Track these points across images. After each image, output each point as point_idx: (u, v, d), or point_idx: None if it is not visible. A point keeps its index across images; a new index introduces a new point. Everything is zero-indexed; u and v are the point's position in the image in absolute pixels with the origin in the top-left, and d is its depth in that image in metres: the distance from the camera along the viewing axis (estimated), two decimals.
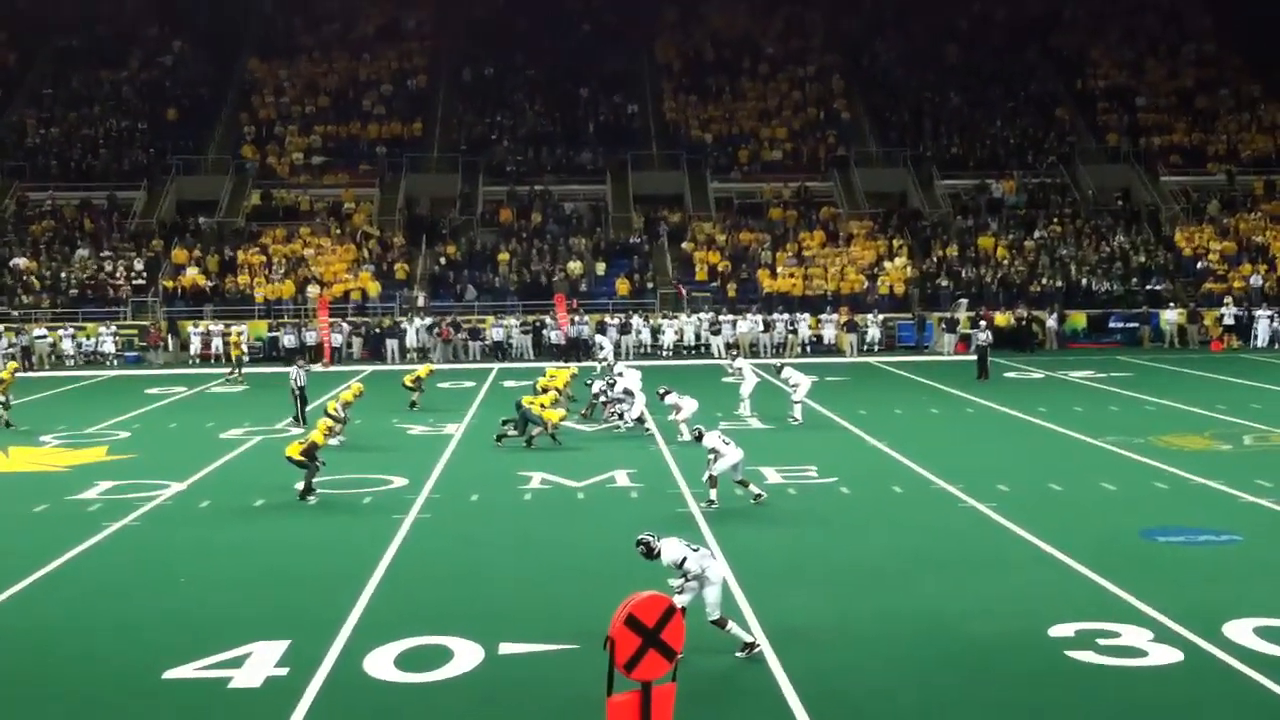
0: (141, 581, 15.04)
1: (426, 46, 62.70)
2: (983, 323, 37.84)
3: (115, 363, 41.67)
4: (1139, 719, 10.56)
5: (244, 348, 38.91)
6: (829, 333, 43.40)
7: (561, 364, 30.53)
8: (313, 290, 44.87)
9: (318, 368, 38.06)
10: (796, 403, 26.80)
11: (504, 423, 24.63)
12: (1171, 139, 56.64)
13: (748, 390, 27.98)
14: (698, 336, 43.42)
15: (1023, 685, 11.26)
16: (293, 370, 28.13)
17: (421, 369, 30.56)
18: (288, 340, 42.05)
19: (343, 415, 24.37)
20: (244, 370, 36.92)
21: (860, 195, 53.57)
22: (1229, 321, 43.58)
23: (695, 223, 50.95)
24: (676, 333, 43.28)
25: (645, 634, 8.04)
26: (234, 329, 41.48)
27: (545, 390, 26.25)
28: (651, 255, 49.36)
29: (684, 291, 45.64)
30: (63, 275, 46.31)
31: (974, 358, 35.81)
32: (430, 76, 60.67)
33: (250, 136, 55.93)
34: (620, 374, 28.16)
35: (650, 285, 46.68)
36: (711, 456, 18.35)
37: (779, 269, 47.24)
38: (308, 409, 27.49)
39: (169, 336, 43.08)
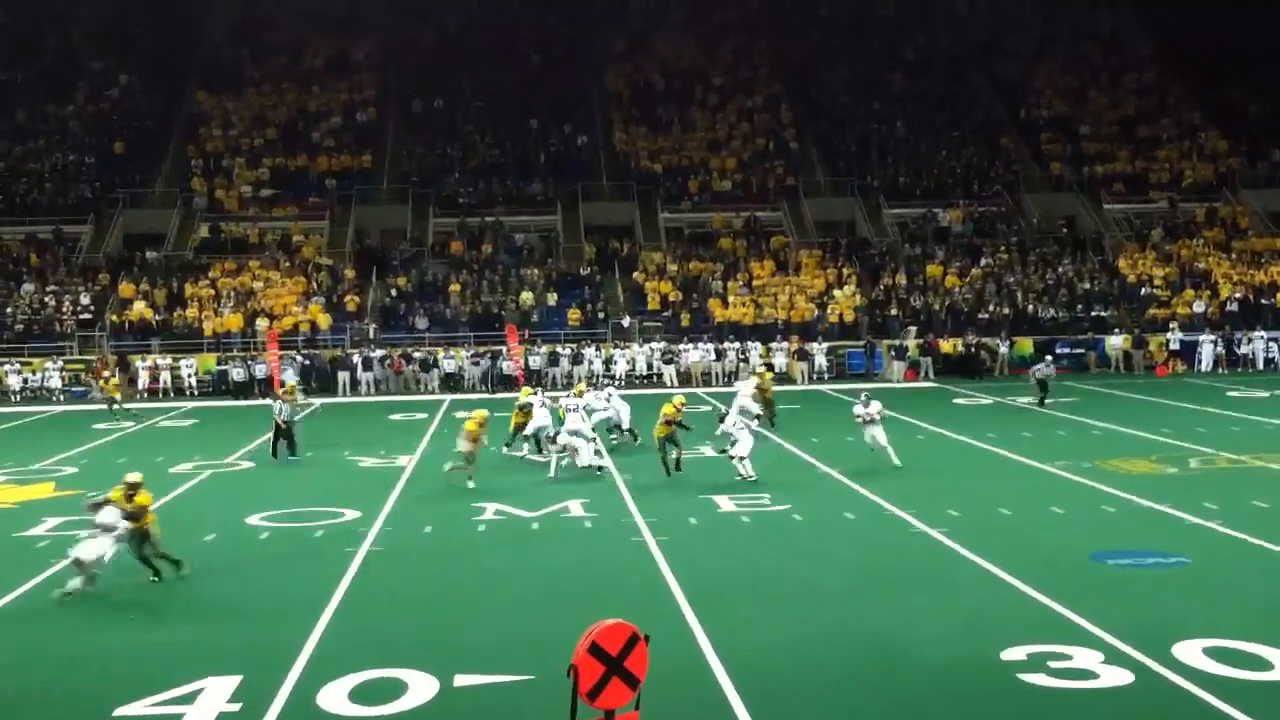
0: (91, 618, 14.85)
1: (375, 79, 62.71)
2: (1048, 357, 39.01)
3: (61, 398, 41.20)
4: None
5: (118, 383, 37.17)
6: (780, 361, 43.58)
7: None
8: (262, 323, 44.59)
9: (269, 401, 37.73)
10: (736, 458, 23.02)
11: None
12: (1114, 167, 57.52)
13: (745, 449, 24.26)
14: (650, 366, 43.49)
15: (975, 708, 11.34)
16: (275, 404, 27.20)
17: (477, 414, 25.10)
18: (237, 374, 41.76)
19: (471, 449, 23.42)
20: (126, 406, 35.65)
21: (809, 224, 54.01)
22: (1175, 346, 44.17)
23: (645, 253, 51.11)
24: (629, 362, 43.34)
25: (609, 662, 8.04)
26: (105, 373, 39.53)
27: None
28: (603, 286, 49.44)
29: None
30: (8, 310, 45.80)
31: (926, 384, 36.09)
32: (379, 108, 60.67)
33: (198, 169, 55.67)
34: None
35: (602, 315, 46.74)
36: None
37: (730, 298, 47.46)
38: (292, 444, 26.61)
39: (117, 371, 42.63)
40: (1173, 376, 42.57)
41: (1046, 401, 33.88)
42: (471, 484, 22.65)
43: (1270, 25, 61.83)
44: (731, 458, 22.10)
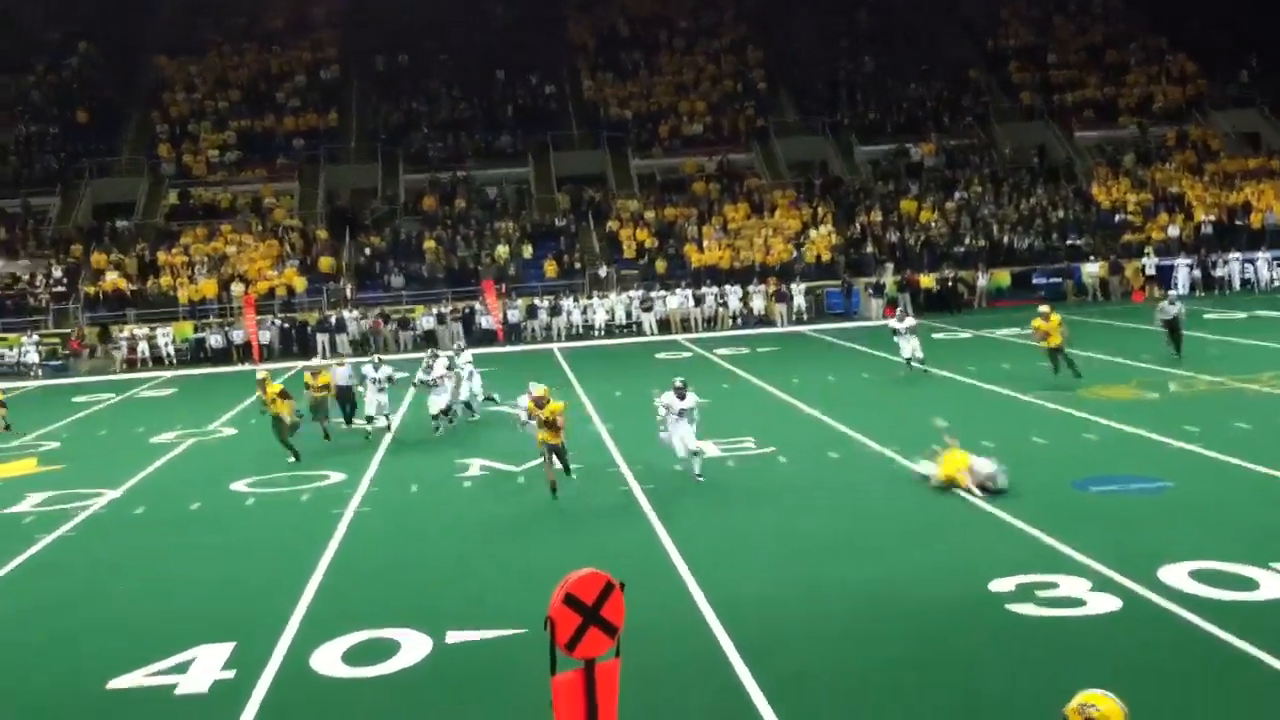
0: (81, 592, 14.83)
1: (337, 36, 62.06)
2: (1171, 293, 31.62)
3: (39, 372, 40.95)
4: (1082, 667, 10.73)
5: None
6: (758, 303, 43.58)
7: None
8: (237, 288, 44.34)
9: (248, 366, 37.63)
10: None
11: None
12: (1083, 94, 57.38)
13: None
14: (629, 315, 43.44)
15: (965, 641, 11.41)
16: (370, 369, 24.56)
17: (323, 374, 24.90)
18: (214, 341, 41.57)
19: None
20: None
21: (782, 165, 53.87)
22: (1151, 272, 44.29)
23: (619, 201, 50.92)
24: (607, 312, 43.28)
25: (585, 611, 8.04)
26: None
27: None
28: (578, 236, 49.26)
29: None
30: None
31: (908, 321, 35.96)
32: (343, 67, 60.11)
33: (164, 136, 55.10)
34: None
35: (578, 266, 46.62)
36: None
37: (705, 243, 47.35)
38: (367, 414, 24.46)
39: (99, 343, 42.42)
40: (1149, 301, 42.69)
41: (1181, 351, 27.84)
42: (291, 459, 21.82)
43: None
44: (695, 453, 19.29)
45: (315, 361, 34.73)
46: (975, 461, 16.63)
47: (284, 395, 22.06)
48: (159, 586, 14.79)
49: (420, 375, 25.49)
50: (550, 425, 17.68)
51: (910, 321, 29.21)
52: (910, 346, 28.34)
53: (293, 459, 21.76)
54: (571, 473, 18.38)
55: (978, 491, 16.19)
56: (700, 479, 18.46)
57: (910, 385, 27.21)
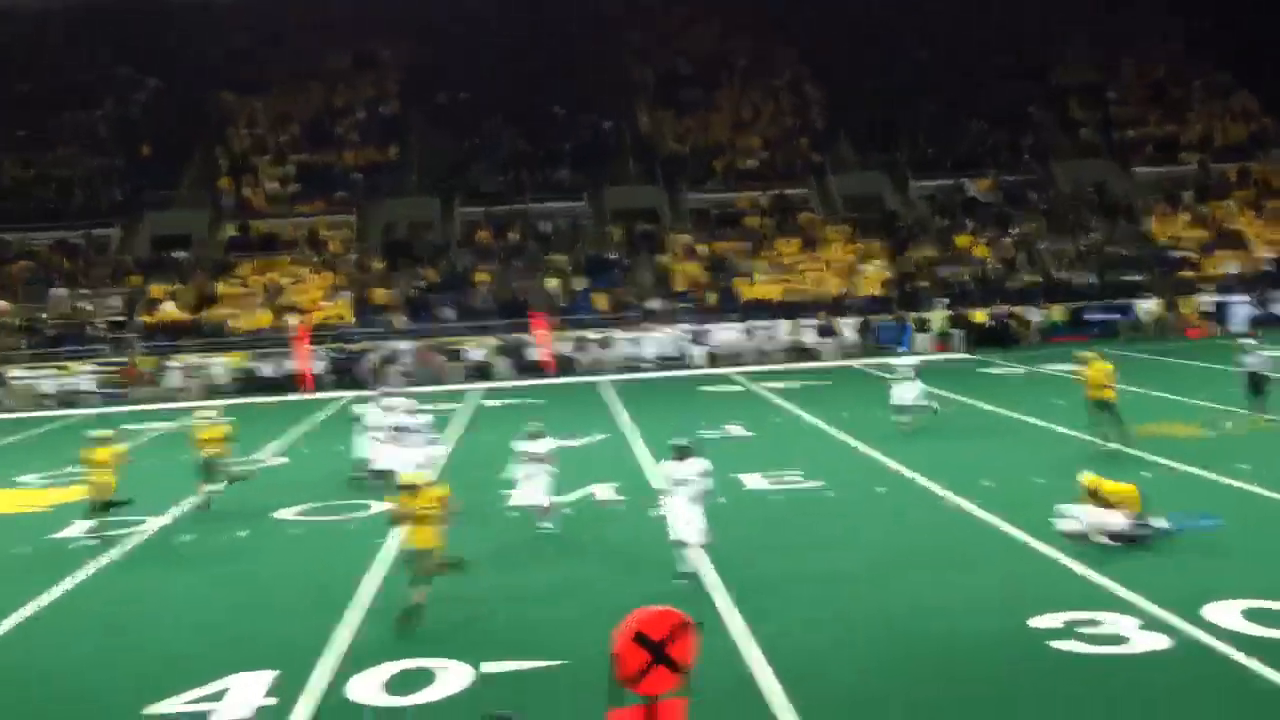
0: (124, 617, 14.93)
1: (399, 73, 62.75)
2: (1250, 341, 25.95)
3: (96, 400, 41.44)
4: (1128, 706, 10.55)
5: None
6: (809, 338, 43.37)
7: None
8: (292, 319, 44.74)
9: (300, 396, 37.91)
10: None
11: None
12: (1144, 131, 56.88)
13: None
14: (679, 348, 43.35)
15: (1007, 677, 11.25)
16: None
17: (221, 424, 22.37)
18: (267, 370, 41.91)
19: None
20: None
21: (837, 200, 53.71)
22: (1208, 309, 43.71)
23: (672, 234, 50.98)
24: (657, 345, 43.24)
25: (653, 648, 7.97)
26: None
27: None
28: (631, 269, 49.35)
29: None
30: (41, 315, 46.14)
31: (957, 356, 35.78)
32: (404, 102, 60.71)
33: (225, 169, 55.86)
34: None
35: (630, 299, 46.64)
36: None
37: (757, 277, 47.27)
38: None
39: (153, 372, 42.89)
40: (1206, 338, 42.10)
41: (1266, 407, 24.31)
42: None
43: None
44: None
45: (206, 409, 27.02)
46: (1110, 517, 15.66)
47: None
48: (202, 613, 14.86)
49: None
50: (423, 520, 13.70)
51: (909, 361, 27.08)
52: (905, 392, 25.32)
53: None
54: (463, 568, 14.28)
55: (1108, 540, 15.38)
56: (549, 527, 17.43)
57: (961, 421, 26.93)
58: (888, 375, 26.27)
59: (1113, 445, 21.70)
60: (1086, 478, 16.10)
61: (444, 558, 13.80)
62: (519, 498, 17.81)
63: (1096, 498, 15.80)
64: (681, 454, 14.83)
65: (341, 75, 62.45)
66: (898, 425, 25.16)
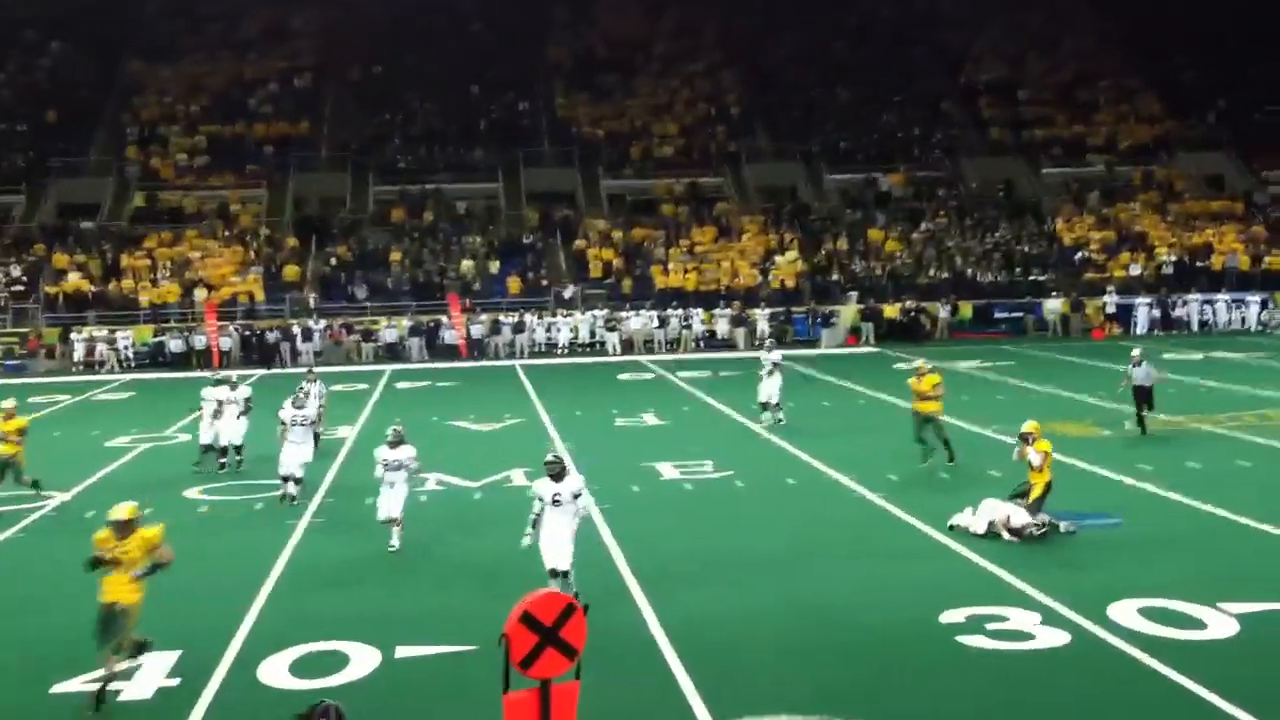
0: (27, 595, 14.69)
1: (313, 45, 61.96)
2: (1135, 352, 24.15)
3: None
4: (1030, 701, 10.80)
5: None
6: (722, 327, 43.67)
7: None
8: (200, 294, 44.07)
9: (206, 373, 37.38)
10: None
11: None
12: (1052, 131, 57.92)
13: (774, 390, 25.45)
14: (593, 334, 43.44)
15: (914, 671, 11.46)
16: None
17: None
18: (174, 345, 41.28)
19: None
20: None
21: (751, 190, 54.05)
22: (1111, 310, 44.67)
23: (587, 220, 50.97)
24: (572, 330, 43.27)
25: (542, 631, 8.03)
26: None
27: None
28: (545, 253, 49.26)
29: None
30: None
31: (867, 349, 36.20)
32: (317, 76, 59.98)
33: (133, 138, 54.81)
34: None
35: (544, 283, 46.59)
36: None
37: (671, 265, 47.45)
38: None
39: (59, 344, 42.02)
40: (1109, 339, 43.05)
41: (1146, 419, 23.59)
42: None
43: None
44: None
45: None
46: (1014, 512, 15.94)
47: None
48: None
49: (291, 413, 19.42)
50: (121, 565, 11.31)
51: (776, 355, 26.10)
52: (768, 389, 25.36)
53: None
54: (148, 647, 11.76)
55: (1009, 535, 15.67)
56: (394, 546, 15.98)
57: (870, 415, 27.31)
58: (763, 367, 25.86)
59: (929, 464, 20.51)
60: (1029, 425, 16.51)
61: (133, 631, 11.23)
62: (380, 510, 16.17)
63: (1027, 441, 16.23)
64: (556, 471, 13.36)
65: (253, 45, 61.49)
66: (763, 420, 25.33)
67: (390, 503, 16.05)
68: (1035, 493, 16.05)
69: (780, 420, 25.28)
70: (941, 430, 20.90)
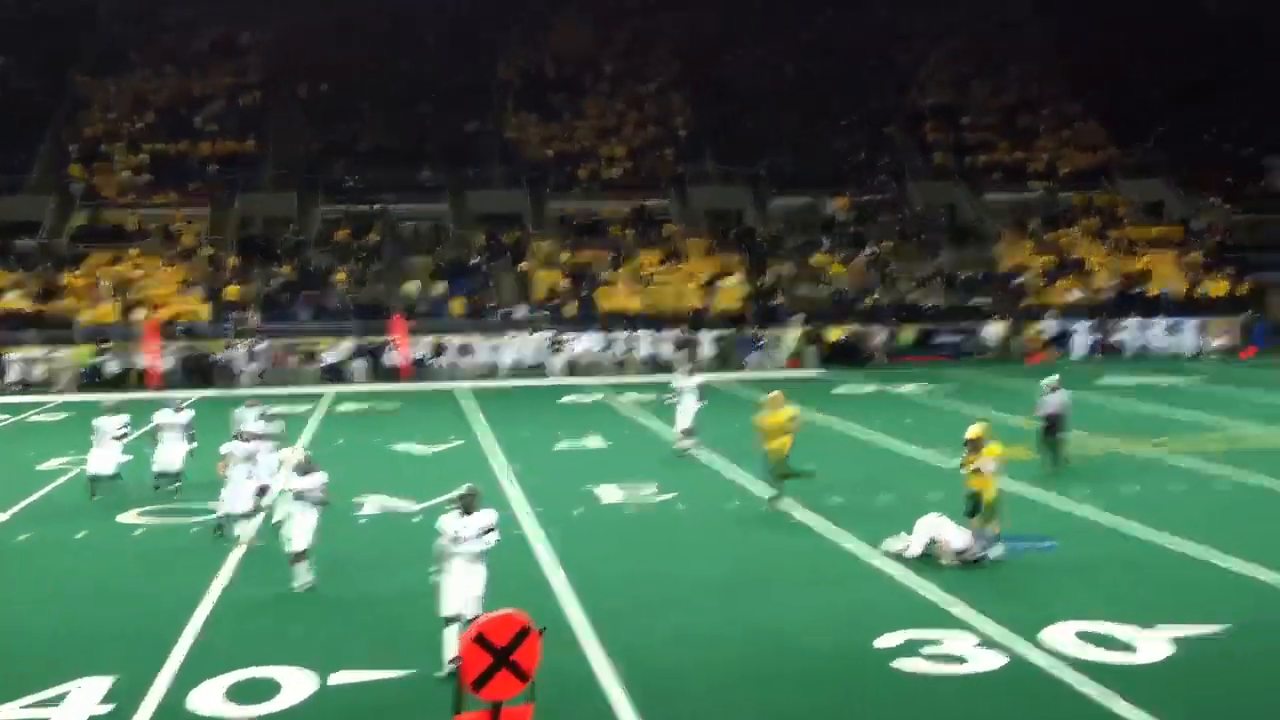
0: None
1: (261, 62, 61.67)
2: (1051, 380, 23.08)
3: None
4: None
5: None
6: (667, 350, 43.70)
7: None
8: (140, 313, 43.61)
9: (149, 394, 36.95)
10: None
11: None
12: (994, 157, 58.59)
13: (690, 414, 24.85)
14: (538, 357, 43.32)
15: (850, 696, 11.51)
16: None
17: None
18: (114, 366, 40.78)
19: None
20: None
21: (698, 213, 54.24)
22: (1050, 335, 45.16)
23: (535, 241, 50.95)
24: (516, 352, 43.16)
25: (495, 653, 8.02)
26: None
27: None
28: (492, 275, 49.16)
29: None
30: None
31: (810, 372, 36.34)
32: (265, 93, 59.64)
33: (76, 155, 54.23)
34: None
35: (490, 305, 46.49)
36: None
37: (618, 287, 47.50)
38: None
39: None
40: (1048, 363, 43.47)
41: (1062, 445, 22.70)
42: None
43: (1153, 20, 63.84)
44: None
45: None
46: (954, 535, 16.03)
47: None
48: (39, 616, 14.44)
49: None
50: None
51: (693, 381, 25.09)
52: (685, 413, 24.63)
53: None
54: None
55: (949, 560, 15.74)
56: (307, 582, 15.03)
57: (813, 438, 27.36)
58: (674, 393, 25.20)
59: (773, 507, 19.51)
60: (976, 430, 16.27)
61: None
62: (292, 542, 15.08)
63: (975, 447, 15.98)
64: (466, 505, 12.13)
65: (200, 62, 61.11)
66: (677, 450, 24.71)
67: (295, 535, 14.92)
68: (988, 502, 15.99)
69: (688, 449, 24.58)
70: (786, 467, 19.54)
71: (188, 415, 22.28)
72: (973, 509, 16.07)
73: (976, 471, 15.99)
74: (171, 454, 21.59)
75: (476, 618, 10.67)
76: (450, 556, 11.86)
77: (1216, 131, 59.75)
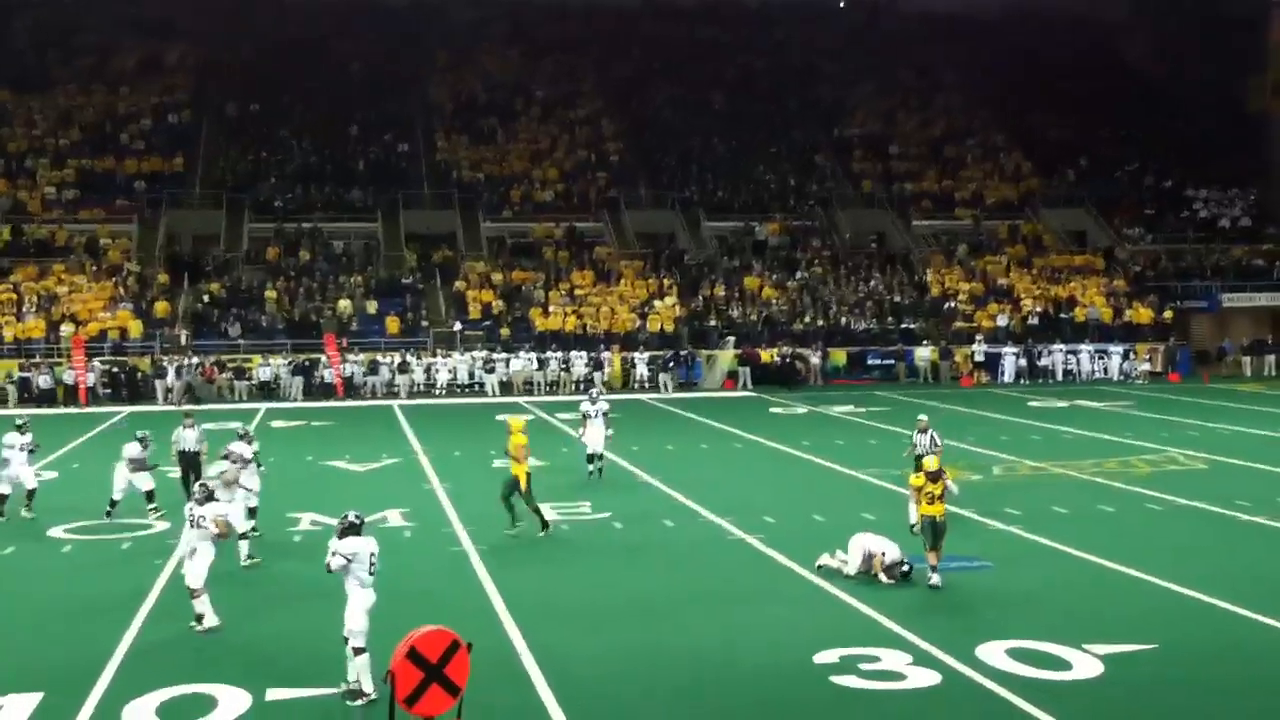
0: None
1: (189, 81, 61.12)
2: (922, 418, 21.87)
3: None
4: None
5: None
6: (601, 371, 43.77)
7: None
8: (67, 329, 42.95)
9: (73, 410, 36.43)
10: None
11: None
12: (922, 185, 59.45)
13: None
14: (471, 375, 43.25)
15: (790, 711, 11.57)
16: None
17: None
18: (42, 381, 40.11)
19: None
20: None
21: (630, 236, 54.46)
22: (979, 358, 45.80)
23: (467, 262, 50.86)
24: (450, 371, 43.05)
25: (428, 669, 8.00)
26: None
27: None
28: (424, 294, 48.99)
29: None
30: None
31: (743, 393, 36.54)
32: (193, 112, 59.10)
33: (0, 170, 53.39)
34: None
35: (424, 324, 46.33)
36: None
37: (551, 307, 47.53)
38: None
39: None
40: (977, 387, 44.11)
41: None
42: None
43: (1070, 51, 65.33)
44: None
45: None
46: (888, 546, 16.10)
47: None
48: None
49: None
50: None
51: (600, 407, 24.20)
52: (593, 436, 23.95)
53: None
54: None
55: (884, 577, 15.82)
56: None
57: (748, 458, 27.58)
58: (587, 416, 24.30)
59: (515, 531, 18.85)
60: (933, 461, 16.29)
61: None
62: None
63: (934, 478, 15.76)
64: (354, 525, 12.06)
65: (127, 79, 60.45)
66: (589, 474, 24.24)
67: (190, 570, 13.92)
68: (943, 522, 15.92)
69: (598, 472, 24.19)
70: (530, 497, 18.95)
71: (149, 448, 21.00)
72: (934, 541, 15.99)
73: (940, 498, 16.03)
74: (132, 480, 20.57)
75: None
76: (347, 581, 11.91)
77: (1138, 165, 61.11)
